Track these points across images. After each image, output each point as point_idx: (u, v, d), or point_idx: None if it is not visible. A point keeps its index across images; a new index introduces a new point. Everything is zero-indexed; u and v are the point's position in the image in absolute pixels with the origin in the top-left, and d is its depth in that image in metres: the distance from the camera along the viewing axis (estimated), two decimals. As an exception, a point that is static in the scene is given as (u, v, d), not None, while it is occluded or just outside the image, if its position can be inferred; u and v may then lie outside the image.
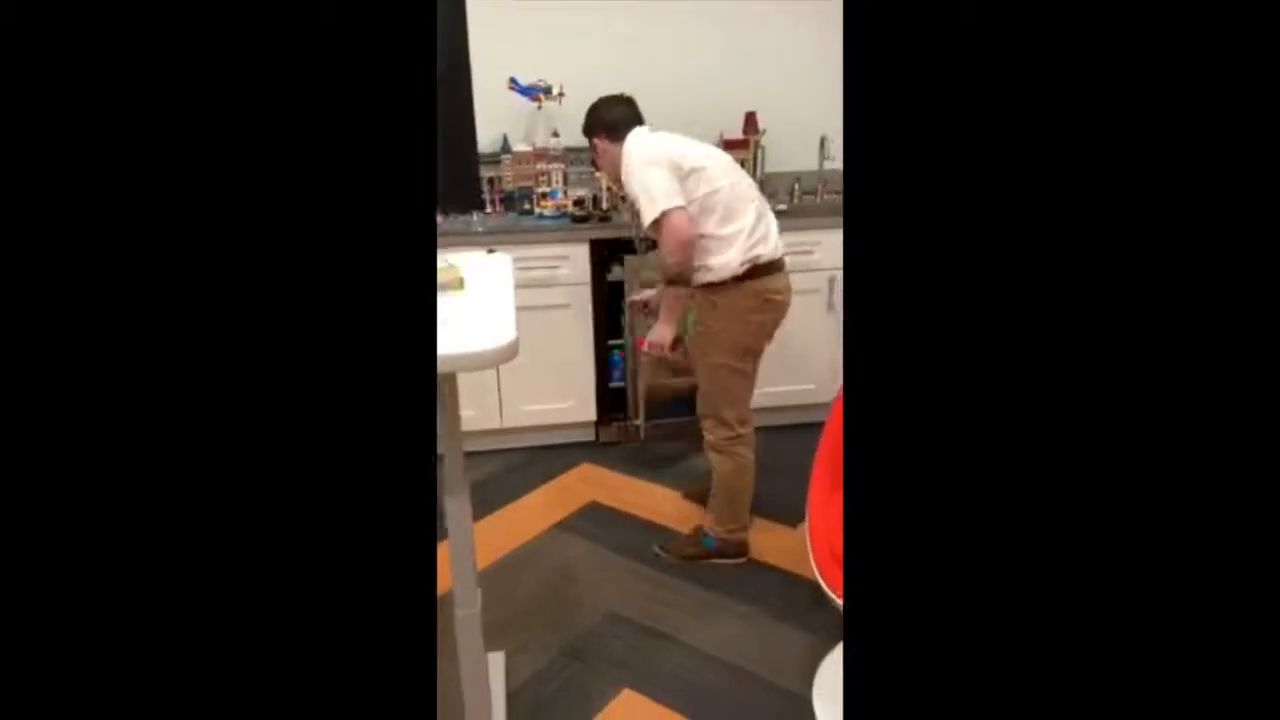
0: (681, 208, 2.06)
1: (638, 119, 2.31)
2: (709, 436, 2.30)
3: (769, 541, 2.46)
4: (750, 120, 3.25)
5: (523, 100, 3.07)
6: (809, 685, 1.89)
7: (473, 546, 1.45)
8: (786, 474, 2.80)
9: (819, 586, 1.67)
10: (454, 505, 1.37)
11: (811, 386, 3.16)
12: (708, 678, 1.93)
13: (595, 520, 2.63)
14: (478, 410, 2.95)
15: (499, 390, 2.98)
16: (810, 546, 1.72)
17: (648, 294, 2.62)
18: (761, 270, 2.14)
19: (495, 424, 3.01)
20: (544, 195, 3.06)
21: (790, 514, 2.58)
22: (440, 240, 1.50)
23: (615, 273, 2.97)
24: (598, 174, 3.07)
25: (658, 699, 1.86)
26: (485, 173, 3.09)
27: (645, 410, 3.05)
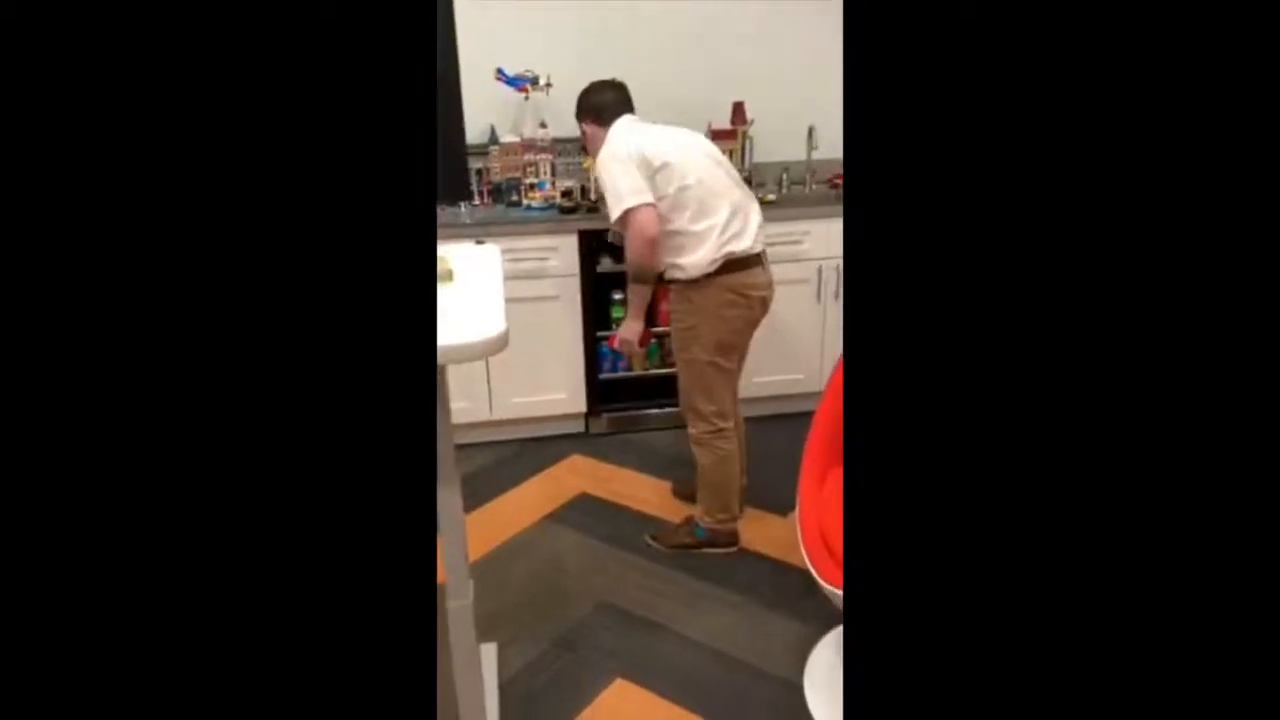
0: (649, 205, 2.05)
1: (626, 105, 2.31)
2: (690, 430, 2.32)
3: (759, 531, 2.47)
4: (738, 110, 3.25)
5: (509, 91, 3.06)
6: (800, 673, 1.90)
7: (464, 538, 1.45)
8: (776, 463, 2.81)
9: (809, 575, 1.68)
10: (445, 497, 1.37)
11: (800, 376, 3.17)
12: (699, 666, 1.94)
13: (586, 511, 2.64)
14: (467, 402, 2.94)
15: (488, 382, 2.98)
16: (801, 535, 1.73)
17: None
18: (736, 265, 2.13)
19: (485, 416, 3.01)
20: (532, 186, 3.05)
21: (780, 503, 2.59)
22: (429, 232, 1.49)
23: (604, 264, 2.97)
24: (586, 164, 3.07)
25: (650, 688, 1.87)
26: (473, 164, 3.07)
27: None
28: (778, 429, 3.04)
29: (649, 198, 2.06)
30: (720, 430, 2.27)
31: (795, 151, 3.39)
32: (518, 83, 3.04)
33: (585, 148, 2.45)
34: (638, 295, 2.22)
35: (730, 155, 3.20)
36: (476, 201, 3.09)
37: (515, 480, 2.83)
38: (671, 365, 3.11)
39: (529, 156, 3.05)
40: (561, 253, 2.90)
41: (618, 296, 3.05)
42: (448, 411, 1.43)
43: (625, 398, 3.17)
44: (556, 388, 3.06)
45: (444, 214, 2.90)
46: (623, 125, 2.24)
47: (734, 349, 2.25)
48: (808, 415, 1.91)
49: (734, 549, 2.38)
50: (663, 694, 1.85)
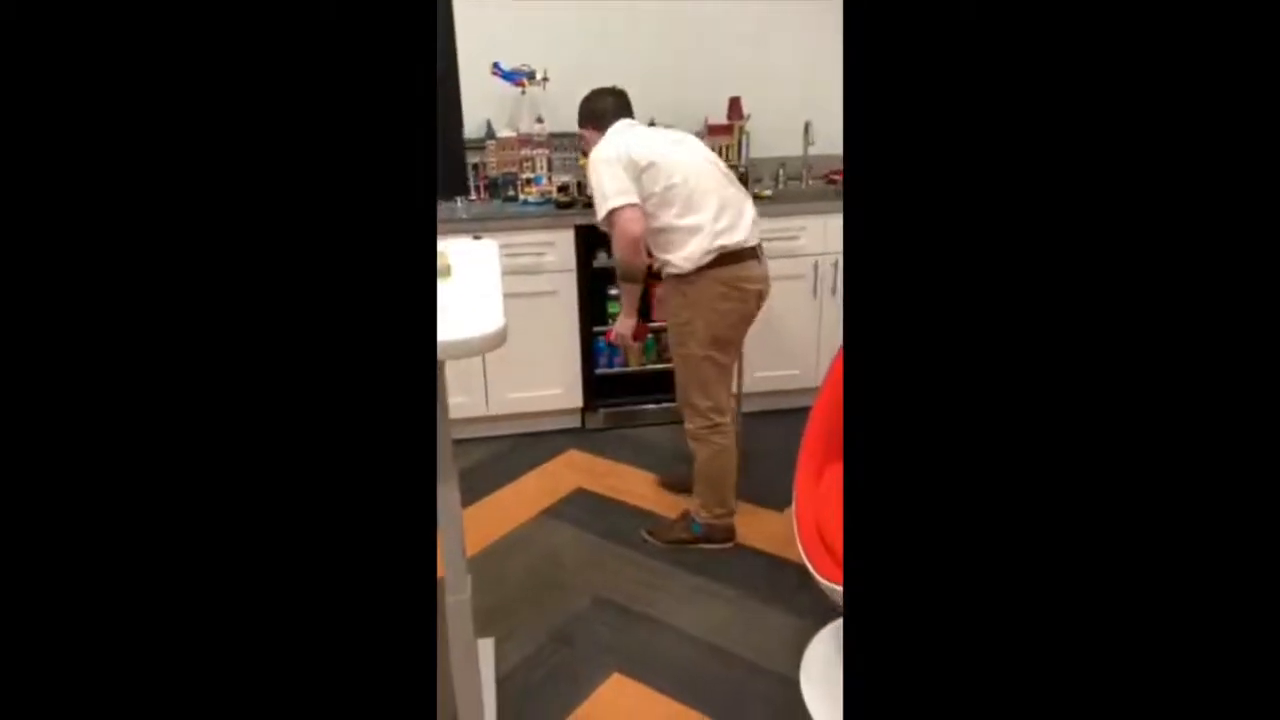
0: (634, 205, 2.09)
1: (625, 111, 2.34)
2: (687, 424, 2.33)
3: (755, 526, 2.47)
4: (735, 105, 3.24)
5: (506, 85, 3.05)
6: (796, 667, 1.91)
7: (462, 533, 1.45)
8: (771, 458, 2.82)
9: (805, 570, 1.68)
10: (443, 492, 1.37)
11: (796, 372, 3.18)
12: (696, 661, 1.95)
13: (582, 506, 2.64)
14: (464, 397, 2.94)
15: (485, 377, 2.98)
16: (797, 530, 1.74)
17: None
18: (729, 259, 2.14)
19: (481, 411, 3.01)
20: (528, 181, 3.04)
21: (776, 498, 2.60)
22: (426, 227, 1.49)
23: (600, 259, 2.96)
24: (582, 161, 3.06)
25: (646, 682, 1.88)
26: (469, 159, 3.07)
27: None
28: (773, 424, 3.04)
29: (634, 198, 2.10)
30: (717, 425, 2.28)
31: (792, 147, 3.39)
32: (514, 77, 3.03)
33: (585, 151, 2.47)
34: (628, 293, 2.28)
35: (726, 151, 3.21)
36: (473, 196, 3.08)
37: (512, 475, 2.83)
38: (667, 360, 3.13)
39: (525, 151, 3.05)
40: (558, 248, 2.90)
41: (614, 292, 3.05)
42: (445, 406, 1.43)
43: (622, 393, 3.17)
44: (553, 383, 3.06)
45: (440, 209, 2.90)
46: (618, 127, 2.27)
47: (729, 343, 2.25)
48: (803, 411, 1.92)
49: (730, 544, 2.38)
50: (659, 688, 1.86)
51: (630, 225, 2.09)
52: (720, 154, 3.18)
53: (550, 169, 3.07)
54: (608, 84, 2.42)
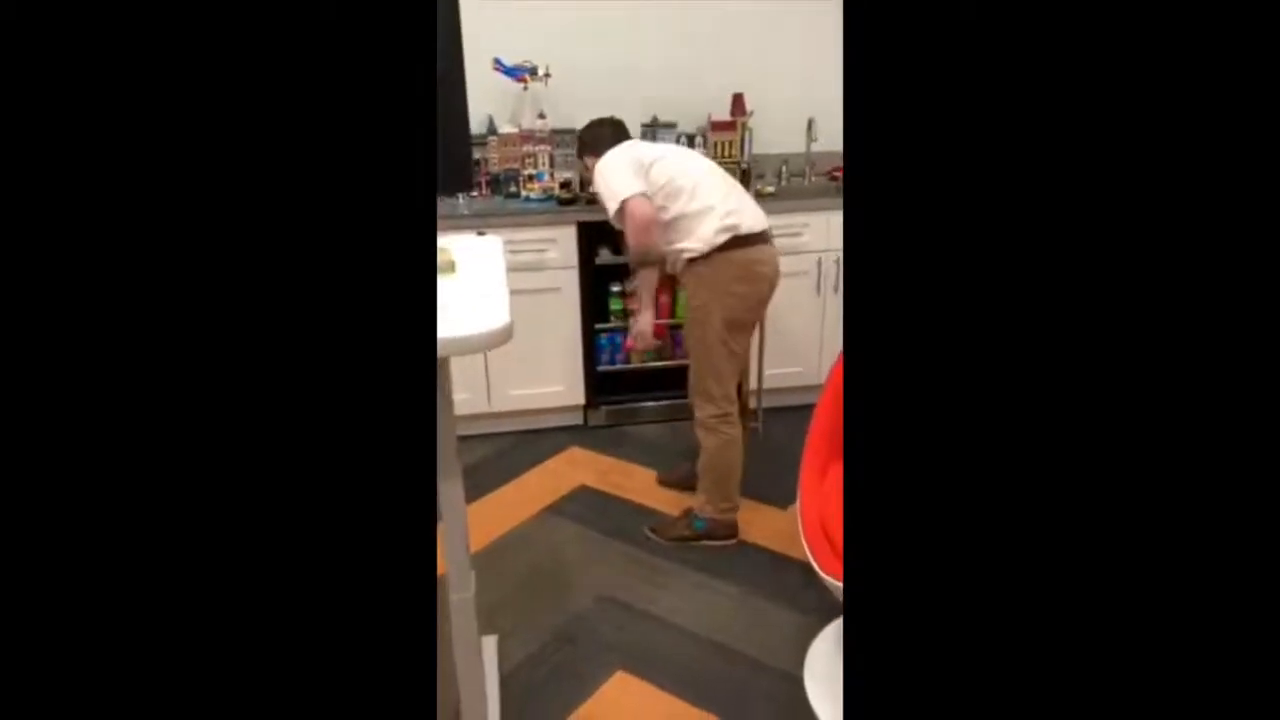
0: (641, 194, 2.16)
1: (621, 137, 2.42)
2: (698, 414, 2.33)
3: (759, 523, 2.47)
4: (738, 102, 3.23)
5: (508, 81, 3.04)
6: (800, 665, 1.90)
7: (466, 531, 1.45)
8: (775, 455, 2.81)
9: (809, 567, 1.68)
10: (447, 489, 1.36)
11: (799, 369, 3.17)
12: (700, 659, 1.94)
13: (585, 504, 2.63)
14: (466, 394, 2.94)
15: (487, 374, 2.97)
16: (801, 527, 1.73)
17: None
18: (742, 241, 2.19)
19: (484, 408, 3.01)
20: (530, 178, 3.04)
21: (780, 496, 2.59)
22: (430, 223, 1.48)
23: (603, 256, 2.96)
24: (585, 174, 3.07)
25: (650, 680, 1.88)
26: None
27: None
28: (777, 421, 3.04)
29: (642, 188, 2.17)
30: (727, 415, 2.30)
31: (795, 144, 3.38)
32: (516, 73, 3.02)
33: (587, 181, 2.58)
34: (645, 281, 2.30)
35: (729, 147, 3.20)
36: (475, 193, 3.07)
37: (514, 472, 2.82)
38: (668, 359, 3.13)
39: (527, 148, 3.04)
40: (560, 244, 2.89)
41: (615, 289, 3.05)
42: (450, 403, 1.42)
43: (624, 390, 3.17)
44: (555, 380, 3.05)
45: (443, 205, 2.89)
46: (620, 146, 2.35)
47: (744, 327, 2.29)
48: (807, 408, 1.91)
49: (733, 541, 2.38)
50: (663, 686, 1.86)
51: (640, 208, 2.16)
52: (723, 151, 3.19)
53: (552, 165, 3.06)
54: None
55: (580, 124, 2.94)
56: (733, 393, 2.31)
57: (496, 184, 3.10)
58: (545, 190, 3.02)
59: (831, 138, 3.34)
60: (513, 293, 1.29)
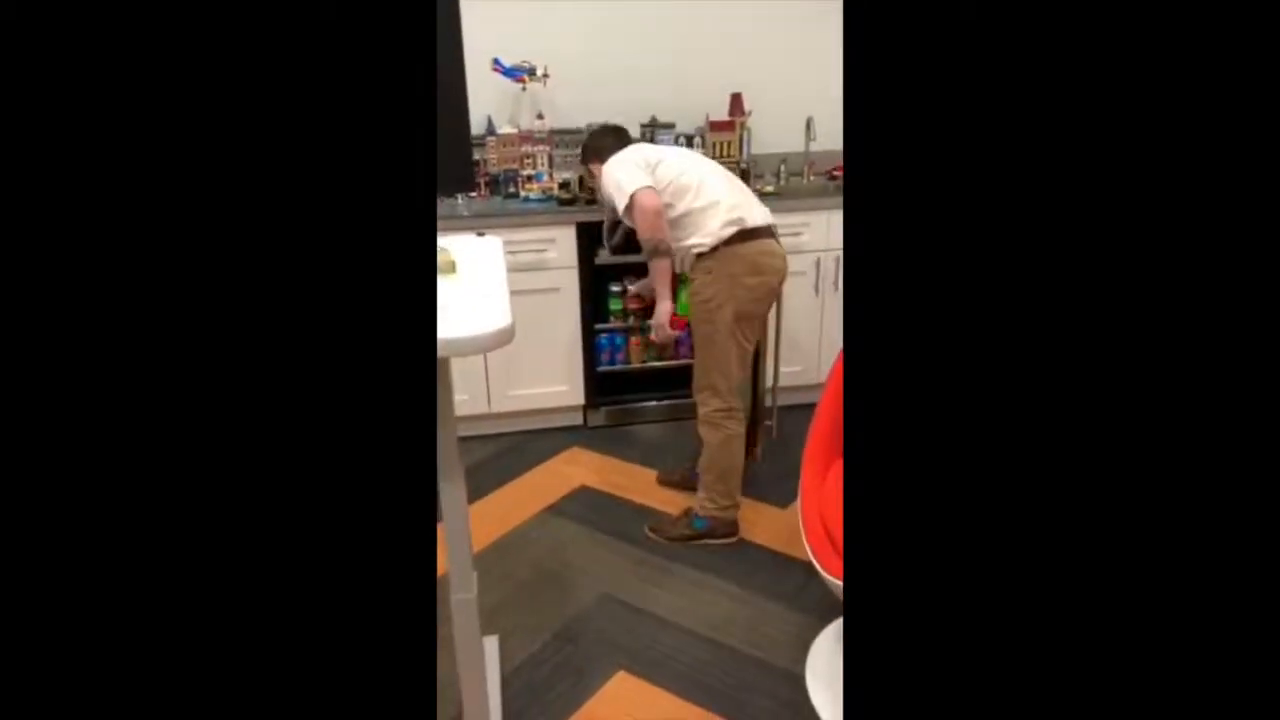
0: (648, 187, 2.21)
1: (625, 144, 2.46)
2: (702, 410, 2.33)
3: (759, 522, 2.47)
4: (736, 102, 3.24)
5: (506, 82, 3.04)
6: (802, 664, 1.91)
7: (468, 531, 1.45)
8: (776, 454, 2.81)
9: (810, 566, 1.68)
10: (448, 490, 1.36)
11: (799, 368, 3.17)
12: (701, 658, 1.94)
13: (585, 504, 2.63)
14: (466, 395, 2.94)
15: (486, 375, 2.97)
16: (803, 526, 1.73)
17: (640, 285, 2.72)
18: (749, 234, 2.22)
19: (483, 409, 3.01)
20: (529, 178, 3.04)
21: (780, 495, 2.60)
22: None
23: (602, 256, 2.96)
24: (590, 180, 3.07)
25: (651, 680, 1.88)
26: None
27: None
28: (777, 420, 3.04)
29: (648, 182, 2.22)
30: (731, 410, 2.31)
31: (793, 143, 3.38)
32: (515, 73, 3.02)
33: (591, 188, 2.63)
34: (660, 273, 2.32)
35: (728, 147, 3.20)
36: (474, 193, 3.07)
37: (515, 473, 2.83)
38: (668, 358, 3.13)
39: (526, 148, 3.04)
40: (559, 245, 2.89)
41: (615, 289, 3.05)
42: (450, 404, 1.42)
43: (623, 390, 3.17)
44: (555, 380, 3.05)
45: (442, 206, 2.89)
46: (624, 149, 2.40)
47: (752, 320, 2.31)
48: (807, 407, 1.91)
49: (734, 539, 2.38)
50: (665, 686, 1.86)
51: (649, 201, 2.20)
52: (722, 151, 3.19)
53: (551, 165, 3.06)
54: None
55: (579, 124, 2.94)
56: (737, 387, 2.32)
57: (495, 184, 3.10)
58: (544, 190, 3.02)
59: (830, 137, 3.35)
60: (512, 293, 1.29)
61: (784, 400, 3.17)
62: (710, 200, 2.22)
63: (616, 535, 2.45)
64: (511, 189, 3.08)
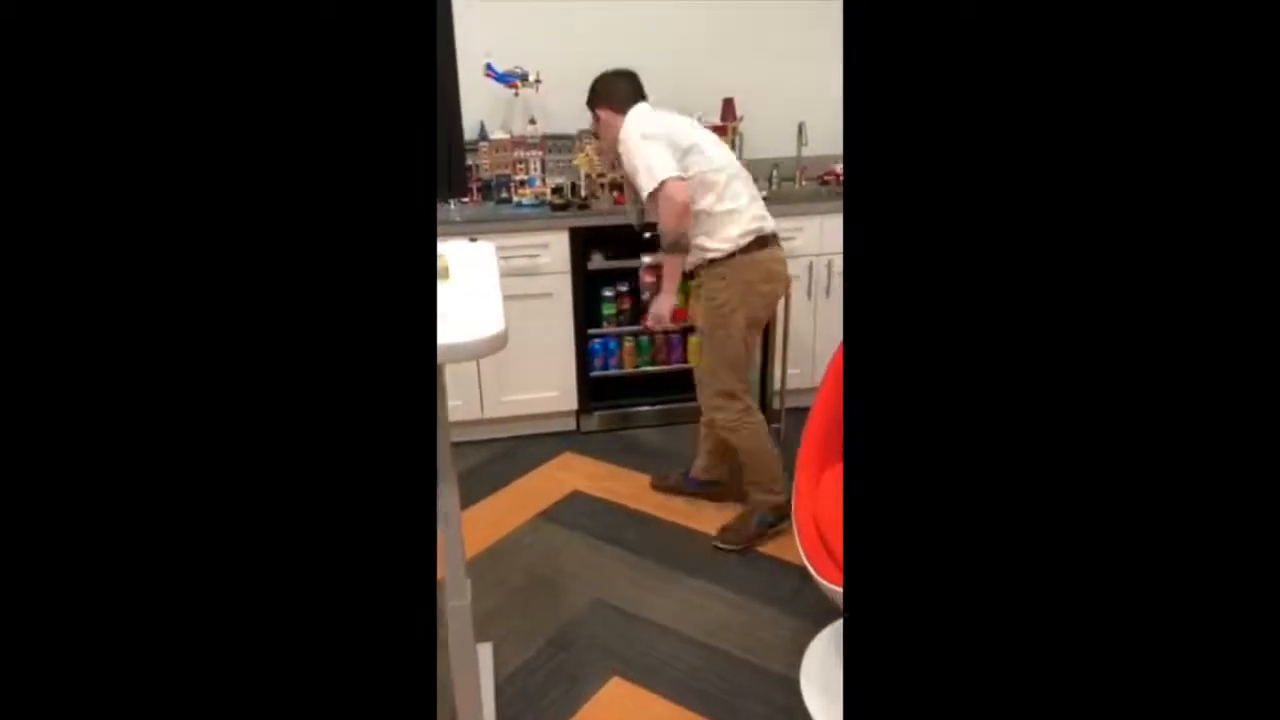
0: (679, 178, 2.15)
1: (640, 93, 2.38)
2: (719, 416, 2.34)
3: (753, 527, 2.47)
4: (728, 106, 3.24)
5: (499, 87, 3.04)
6: (796, 669, 1.90)
7: (462, 538, 1.44)
8: (769, 460, 2.81)
9: (805, 571, 1.68)
10: (443, 496, 1.36)
11: (794, 371, 3.17)
12: (695, 663, 1.94)
13: (579, 509, 2.63)
14: (458, 400, 2.93)
15: (479, 380, 2.96)
16: (797, 531, 1.73)
17: (654, 259, 2.71)
18: (764, 242, 2.23)
19: (476, 414, 3.00)
20: (522, 183, 3.03)
21: (773, 499, 2.59)
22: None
23: (595, 261, 2.96)
24: (578, 160, 3.06)
25: (646, 686, 1.87)
26: (462, 161, 3.05)
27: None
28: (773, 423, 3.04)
29: (679, 171, 2.16)
30: (749, 407, 2.34)
31: (786, 148, 3.38)
32: (507, 79, 3.02)
33: (596, 134, 2.52)
34: (672, 266, 2.30)
35: (721, 152, 3.20)
36: (466, 199, 3.07)
37: (507, 479, 2.82)
38: (661, 362, 3.13)
39: (519, 153, 3.04)
40: (552, 250, 2.89)
41: (608, 294, 3.05)
42: (445, 410, 1.42)
43: (617, 395, 3.16)
44: (548, 385, 3.05)
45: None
46: (643, 108, 2.32)
47: (759, 325, 2.33)
48: (800, 411, 1.91)
49: (786, 522, 2.36)
50: (659, 691, 1.85)
51: (679, 194, 2.15)
52: (714, 155, 3.19)
53: (544, 171, 3.06)
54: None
55: (571, 130, 2.93)
56: (747, 384, 2.35)
57: (488, 190, 3.09)
58: (537, 195, 3.02)
59: (822, 142, 3.35)
60: (505, 298, 1.29)
61: (778, 404, 3.18)
62: (732, 206, 2.20)
63: (610, 541, 2.45)
64: (504, 194, 3.07)
